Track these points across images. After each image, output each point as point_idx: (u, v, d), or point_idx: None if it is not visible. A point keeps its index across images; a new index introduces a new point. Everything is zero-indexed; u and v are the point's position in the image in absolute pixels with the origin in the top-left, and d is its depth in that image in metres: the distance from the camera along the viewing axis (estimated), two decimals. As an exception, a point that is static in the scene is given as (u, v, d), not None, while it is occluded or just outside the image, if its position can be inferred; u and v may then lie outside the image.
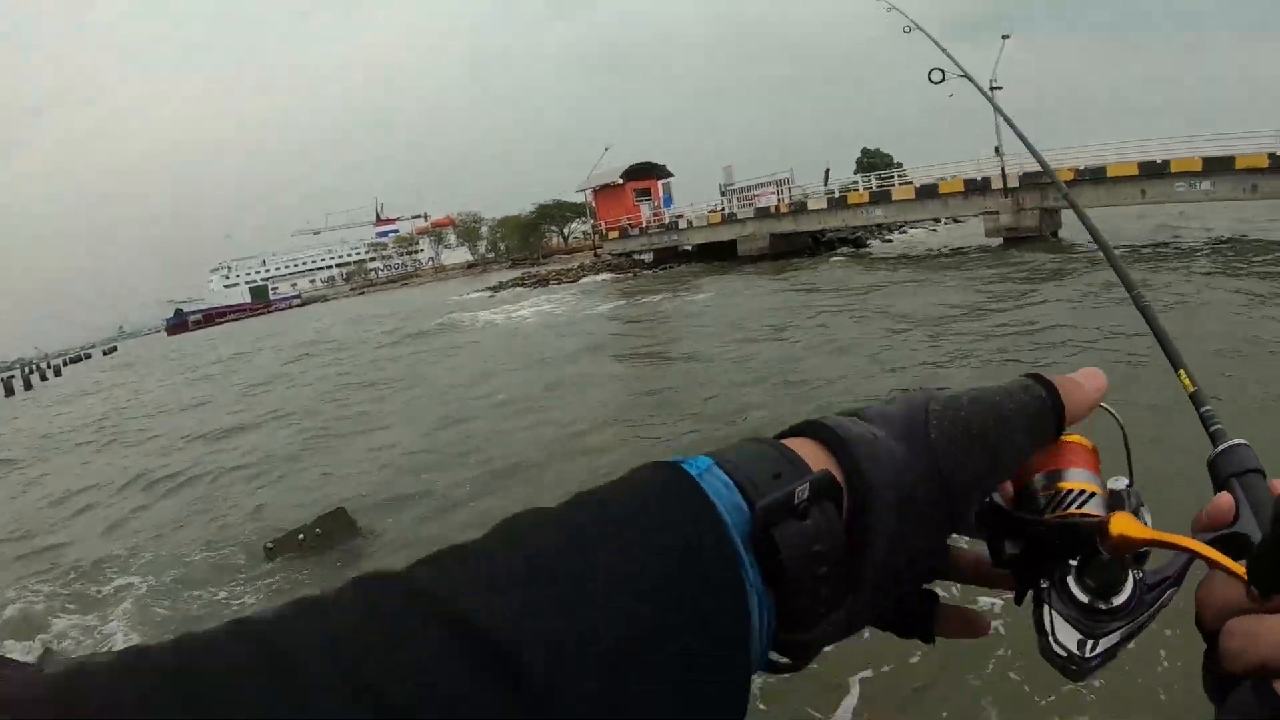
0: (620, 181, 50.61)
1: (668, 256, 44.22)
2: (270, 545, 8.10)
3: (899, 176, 35.11)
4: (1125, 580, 0.46)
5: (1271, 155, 21.97)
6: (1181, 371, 0.71)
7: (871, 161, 63.70)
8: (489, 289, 48.77)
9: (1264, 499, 0.48)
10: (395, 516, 8.72)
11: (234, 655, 0.28)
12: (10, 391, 52.32)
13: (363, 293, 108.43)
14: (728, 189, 45.58)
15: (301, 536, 8.07)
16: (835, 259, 33.26)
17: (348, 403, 16.60)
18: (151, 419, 20.47)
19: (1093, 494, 0.48)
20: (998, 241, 27.76)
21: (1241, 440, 0.54)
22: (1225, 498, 0.49)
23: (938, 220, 37.48)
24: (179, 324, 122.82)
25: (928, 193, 31.25)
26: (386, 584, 0.34)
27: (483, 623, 0.32)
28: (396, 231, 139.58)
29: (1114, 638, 0.46)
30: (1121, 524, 0.43)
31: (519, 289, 45.72)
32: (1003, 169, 27.57)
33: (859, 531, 0.41)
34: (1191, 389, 0.68)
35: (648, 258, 46.06)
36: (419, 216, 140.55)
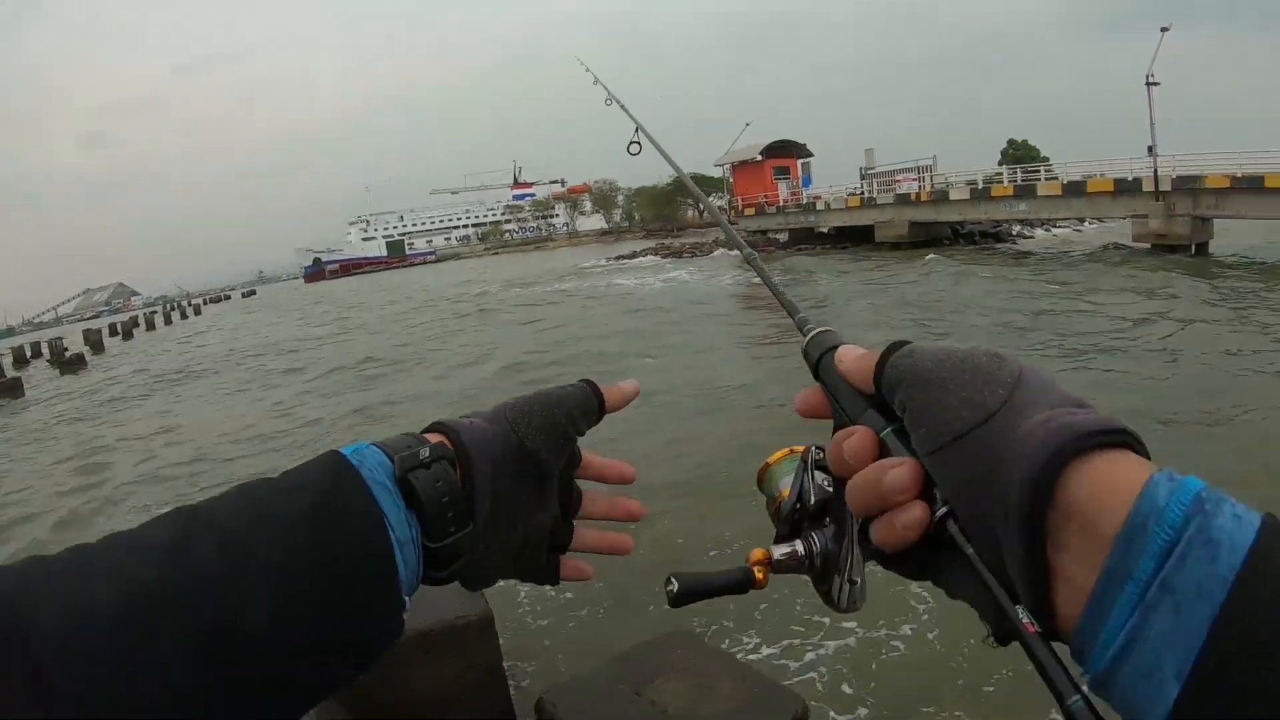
0: (759, 158, 51.08)
1: (803, 237, 44.76)
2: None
3: (1045, 171, 34.48)
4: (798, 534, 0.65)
5: None
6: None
7: (1017, 154, 61.94)
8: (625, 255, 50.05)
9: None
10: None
11: None
12: (152, 326, 58.33)
13: (496, 253, 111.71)
14: (868, 172, 45.29)
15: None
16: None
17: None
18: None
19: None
20: (1145, 247, 27.10)
21: (825, 327, 0.68)
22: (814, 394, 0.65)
23: (1082, 220, 36.62)
24: (317, 272, 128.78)
25: (1074, 190, 30.71)
26: None
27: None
28: (533, 196, 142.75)
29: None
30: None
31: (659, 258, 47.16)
32: (1155, 170, 26.81)
33: (466, 478, 0.63)
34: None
35: (783, 237, 46.64)
36: (556, 182, 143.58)
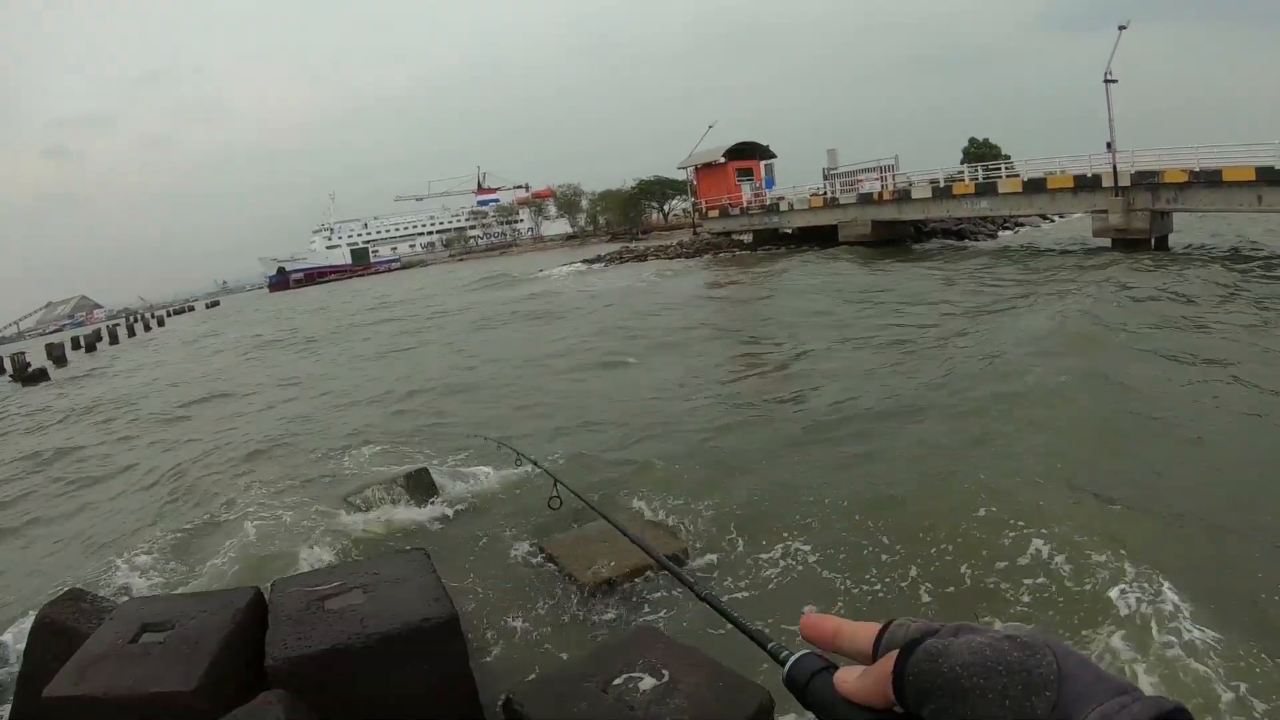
0: (722, 160, 50.68)
1: (767, 239, 44.55)
2: (350, 500, 8.48)
3: (1006, 169, 34.52)
4: None
5: None
6: None
7: (979, 152, 62.42)
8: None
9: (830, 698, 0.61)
10: (474, 480, 9.09)
11: None
12: (115, 339, 56.28)
13: (461, 259, 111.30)
14: (831, 172, 45.22)
15: (383, 495, 8.44)
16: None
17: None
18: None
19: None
20: (1105, 242, 27.28)
21: (804, 650, 0.65)
22: None
23: (1044, 216, 36.74)
24: (281, 282, 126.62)
25: (1035, 187, 30.72)
26: None
27: None
28: (497, 201, 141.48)
29: None
30: None
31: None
32: (1114, 165, 26.94)
33: None
34: None
35: (747, 238, 46.40)
36: (520, 187, 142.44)
